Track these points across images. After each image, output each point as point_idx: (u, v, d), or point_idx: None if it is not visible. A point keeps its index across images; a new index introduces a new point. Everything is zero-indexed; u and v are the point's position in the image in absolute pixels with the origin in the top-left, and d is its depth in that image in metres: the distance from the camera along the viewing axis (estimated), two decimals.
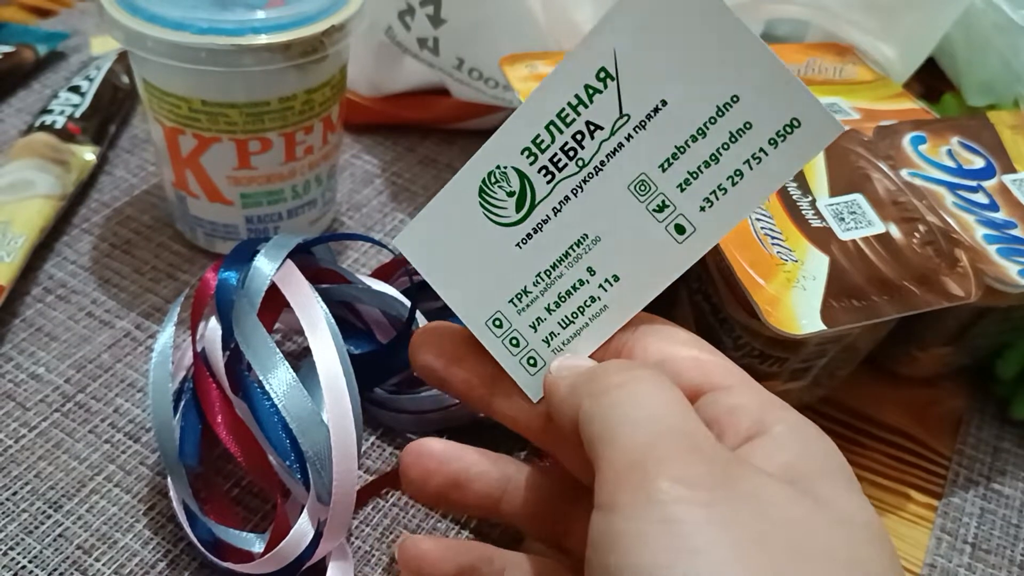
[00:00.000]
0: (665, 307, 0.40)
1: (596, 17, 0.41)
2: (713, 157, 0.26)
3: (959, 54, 0.46)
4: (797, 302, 0.30)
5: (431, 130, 0.51)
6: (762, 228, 0.33)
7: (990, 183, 0.36)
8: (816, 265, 0.32)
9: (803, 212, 0.33)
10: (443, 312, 0.37)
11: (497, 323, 0.28)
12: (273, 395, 0.29)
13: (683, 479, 0.20)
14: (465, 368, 0.29)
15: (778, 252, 0.32)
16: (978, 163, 0.37)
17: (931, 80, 0.51)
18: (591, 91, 0.27)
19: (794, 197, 0.34)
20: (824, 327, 0.30)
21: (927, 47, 0.42)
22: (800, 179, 0.35)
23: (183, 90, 0.36)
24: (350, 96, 0.48)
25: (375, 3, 0.38)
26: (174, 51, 0.34)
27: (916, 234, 0.33)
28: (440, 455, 0.29)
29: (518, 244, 0.28)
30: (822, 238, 0.33)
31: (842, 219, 0.33)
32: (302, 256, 0.34)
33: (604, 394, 0.23)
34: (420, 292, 0.37)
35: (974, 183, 0.36)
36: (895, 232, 0.33)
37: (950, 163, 0.37)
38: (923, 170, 0.36)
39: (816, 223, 0.33)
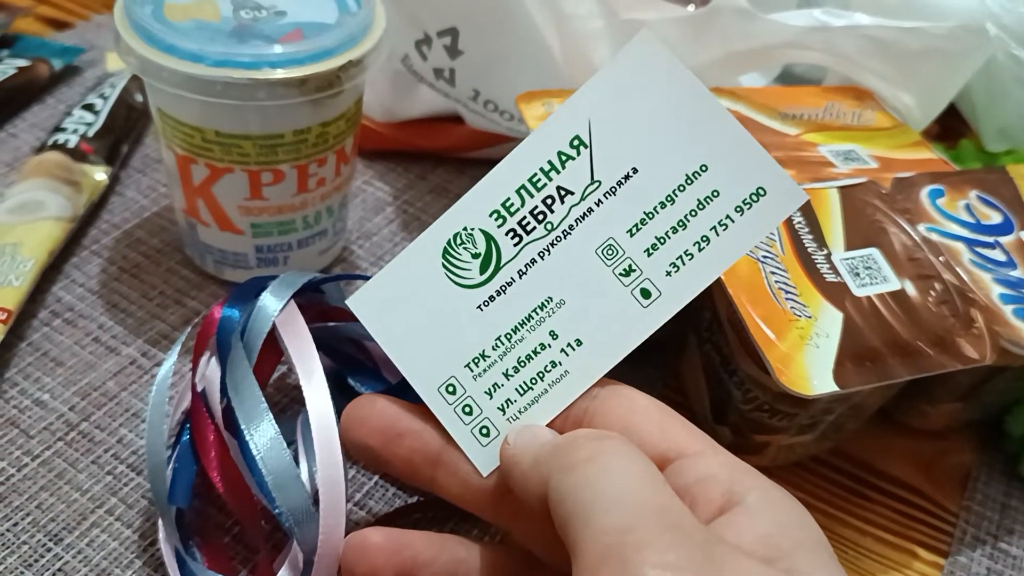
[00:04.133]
0: (673, 355, 0.40)
1: (613, 55, 0.41)
2: (681, 223, 0.27)
3: (977, 99, 0.46)
4: (810, 361, 0.30)
5: (444, 158, 0.51)
6: (776, 282, 0.32)
7: (1008, 239, 0.36)
8: (830, 322, 0.31)
9: (818, 266, 0.33)
10: None
11: (450, 389, 0.28)
12: (254, 448, 0.28)
13: (667, 565, 0.20)
14: (405, 446, 0.28)
15: (792, 307, 0.31)
16: (996, 218, 0.37)
17: (948, 121, 0.51)
18: (564, 157, 0.27)
19: (809, 250, 0.34)
20: (836, 388, 0.30)
21: (946, 96, 0.42)
22: (816, 231, 0.34)
23: (197, 120, 0.36)
24: (363, 122, 0.48)
25: (392, 31, 0.38)
26: (189, 83, 0.34)
27: (932, 292, 0.33)
28: (385, 547, 0.27)
29: (479, 306, 0.28)
30: (837, 294, 0.32)
31: (857, 274, 0.33)
32: (310, 294, 0.34)
33: (573, 469, 0.23)
34: None
35: (991, 239, 0.36)
36: (911, 290, 0.33)
37: (968, 218, 0.36)
38: (940, 225, 0.36)
39: (831, 278, 0.33)
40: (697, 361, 0.37)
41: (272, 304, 0.32)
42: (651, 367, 0.40)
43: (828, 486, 0.38)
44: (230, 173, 0.37)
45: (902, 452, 0.39)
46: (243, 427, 0.28)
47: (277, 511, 0.29)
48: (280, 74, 0.34)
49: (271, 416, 0.28)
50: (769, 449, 0.36)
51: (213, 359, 0.31)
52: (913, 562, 0.36)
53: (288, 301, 0.32)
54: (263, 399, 0.28)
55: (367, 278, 0.35)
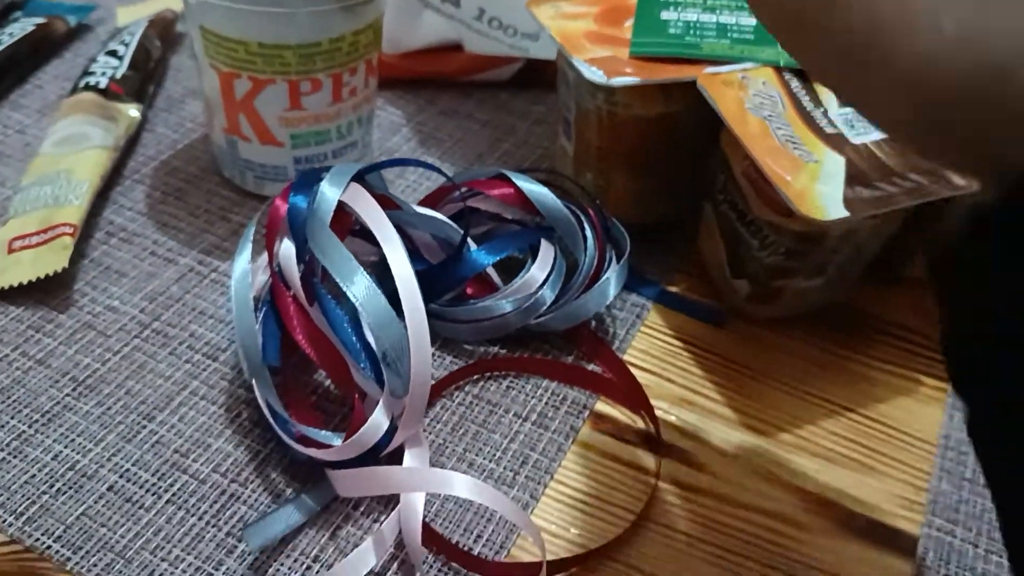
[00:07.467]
0: (692, 224, 0.43)
1: None
2: None
3: None
4: (821, 194, 0.34)
5: (446, 84, 0.54)
6: (783, 136, 0.36)
7: None
8: (834, 164, 0.35)
9: (817, 121, 0.37)
10: (489, 238, 0.40)
11: None
12: (353, 298, 0.31)
13: None
14: None
15: (799, 154, 0.35)
16: None
17: None
18: None
19: (807, 108, 0.37)
20: (847, 214, 0.34)
21: None
22: (812, 93, 0.38)
23: (240, 34, 0.38)
24: None
25: None
26: None
27: None
28: None
29: None
30: (836, 142, 0.36)
31: (852, 126, 0.37)
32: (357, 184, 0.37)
33: None
34: (470, 217, 0.40)
35: None
36: None
37: None
38: None
39: (830, 130, 0.37)
40: (713, 225, 0.41)
41: (332, 190, 0.35)
42: (669, 254, 0.44)
43: (836, 331, 0.42)
44: (272, 84, 0.40)
45: (904, 302, 0.43)
46: (340, 281, 0.31)
47: (362, 364, 0.32)
48: None
49: (363, 269, 0.31)
50: (784, 295, 0.40)
51: (285, 240, 0.34)
52: (919, 387, 0.40)
53: (349, 183, 0.35)
54: (352, 256, 0.31)
55: (417, 163, 0.38)
